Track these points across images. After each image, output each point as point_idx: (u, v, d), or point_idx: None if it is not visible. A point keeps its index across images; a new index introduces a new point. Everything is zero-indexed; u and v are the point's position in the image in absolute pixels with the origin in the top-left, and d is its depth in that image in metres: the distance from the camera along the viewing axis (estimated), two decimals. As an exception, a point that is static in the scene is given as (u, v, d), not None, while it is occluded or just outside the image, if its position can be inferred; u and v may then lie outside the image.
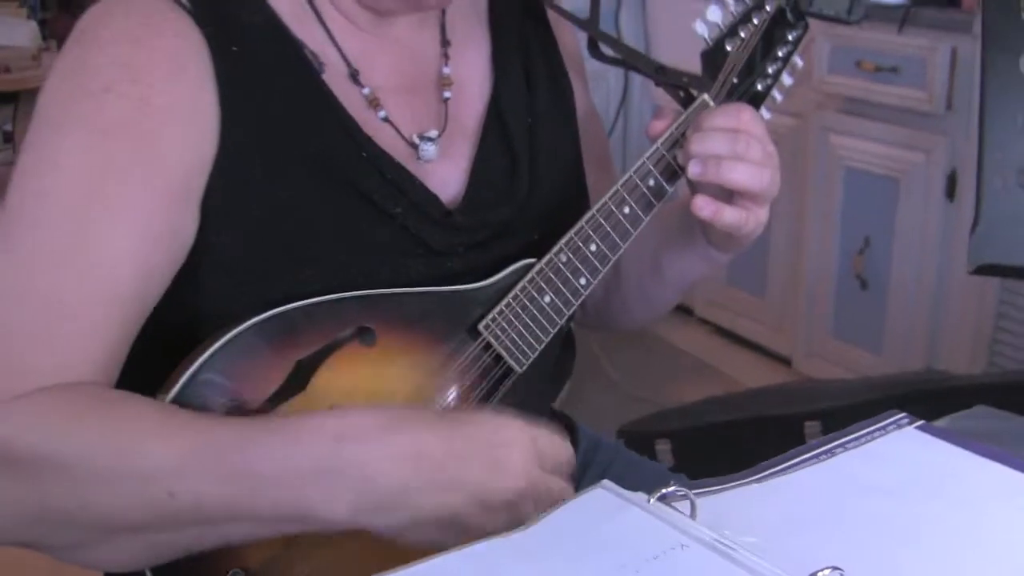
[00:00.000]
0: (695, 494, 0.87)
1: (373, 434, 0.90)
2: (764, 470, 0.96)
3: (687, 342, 3.95)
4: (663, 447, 2.43)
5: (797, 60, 1.27)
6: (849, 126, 3.32)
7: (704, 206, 1.13)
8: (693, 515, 0.85)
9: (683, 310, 4.02)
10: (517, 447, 0.93)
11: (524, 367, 1.13)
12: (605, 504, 0.84)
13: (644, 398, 3.29)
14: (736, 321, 3.89)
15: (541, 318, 1.14)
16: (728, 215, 1.14)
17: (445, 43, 1.21)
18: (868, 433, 1.01)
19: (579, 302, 1.16)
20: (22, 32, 5.92)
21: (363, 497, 0.89)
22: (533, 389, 1.17)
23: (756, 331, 3.81)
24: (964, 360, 3.05)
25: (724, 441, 2.40)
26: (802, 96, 3.37)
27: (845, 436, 1.01)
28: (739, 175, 1.12)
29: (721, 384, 3.56)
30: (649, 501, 0.84)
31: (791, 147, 3.47)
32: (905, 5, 3.11)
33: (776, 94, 1.27)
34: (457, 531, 0.89)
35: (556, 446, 0.96)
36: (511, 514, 0.90)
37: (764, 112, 1.26)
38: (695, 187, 1.16)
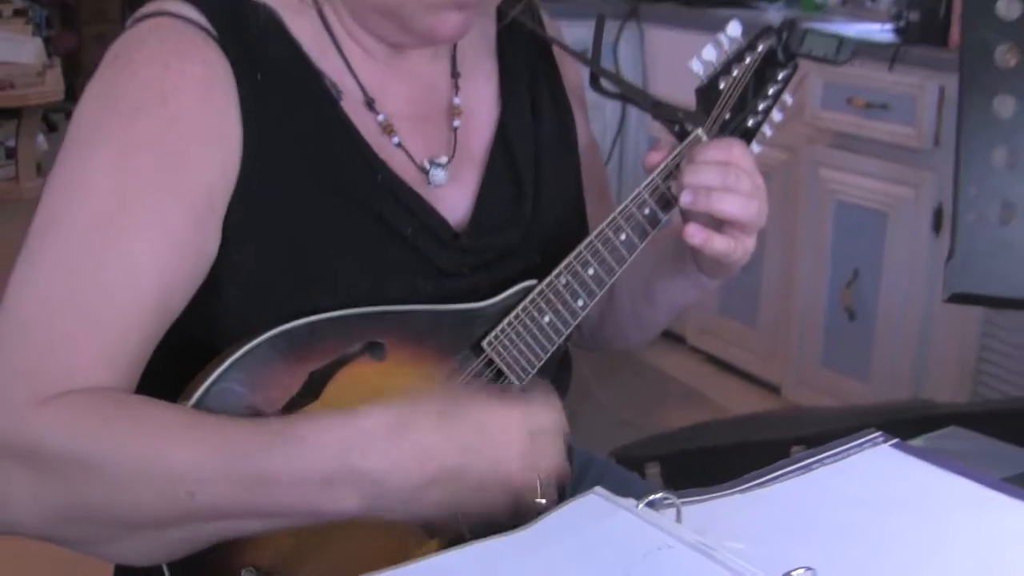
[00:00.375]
0: (681, 502, 0.94)
1: (379, 442, 0.96)
2: (747, 482, 1.02)
3: (679, 369, 4.00)
4: (652, 471, 2.48)
5: (787, 98, 1.32)
6: (840, 161, 3.38)
7: (695, 233, 1.20)
8: (679, 520, 0.91)
9: (675, 338, 4.07)
10: (512, 433, 0.99)
11: (524, 383, 1.19)
12: (598, 508, 0.91)
13: (635, 423, 3.34)
14: (727, 350, 3.94)
15: (541, 337, 1.20)
16: (718, 243, 1.20)
17: (456, 74, 1.27)
18: (845, 450, 1.08)
19: (577, 322, 1.22)
20: (27, 49, 5.96)
21: (372, 498, 0.95)
22: None
23: (747, 360, 3.86)
24: (949, 389, 3.11)
25: (713, 465, 2.44)
26: (794, 131, 3.44)
27: (824, 452, 1.07)
28: (728, 205, 1.19)
29: (711, 411, 3.61)
30: (638, 506, 0.91)
31: (783, 180, 3.54)
32: (896, 44, 3.19)
33: (766, 129, 1.33)
34: (460, 514, 0.98)
35: (546, 417, 1.02)
36: (509, 494, 0.98)
37: (755, 146, 1.31)
38: (687, 216, 1.22)
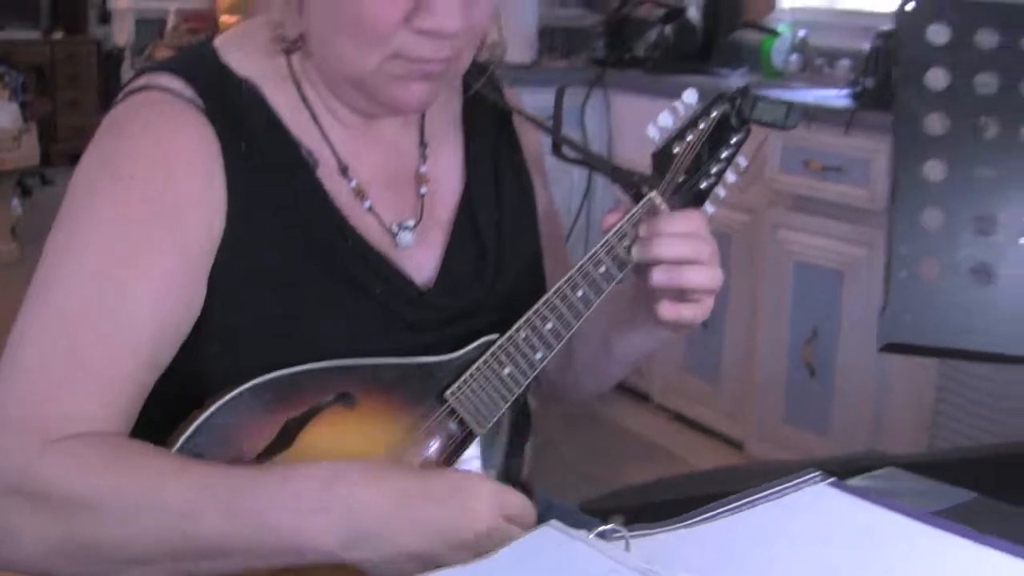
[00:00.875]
0: (630, 534, 1.02)
1: (361, 476, 1.06)
2: (692, 517, 1.10)
3: (644, 426, 4.07)
4: (617, 522, 2.53)
5: (741, 161, 1.37)
6: (798, 222, 3.48)
7: (668, 310, 1.27)
8: (627, 550, 0.99)
9: (640, 396, 4.15)
10: (484, 497, 1.08)
11: (484, 431, 1.27)
12: (553, 538, 0.98)
13: (601, 480, 3.40)
14: (691, 407, 4.02)
15: (501, 388, 1.27)
16: (686, 312, 1.28)
17: (423, 144, 1.36)
18: (785, 488, 1.16)
19: (536, 374, 1.30)
20: (4, 114, 6.04)
21: (350, 531, 1.04)
22: (493, 452, 1.31)
23: (710, 417, 3.94)
24: (907, 441, 3.19)
25: (677, 516, 2.50)
26: (754, 194, 3.54)
27: (765, 490, 1.15)
28: (697, 277, 1.26)
29: (677, 467, 3.66)
30: (589, 537, 0.99)
31: (744, 242, 3.64)
32: (851, 109, 3.30)
33: (720, 191, 1.39)
34: (426, 566, 1.04)
35: (520, 501, 1.11)
36: (475, 554, 1.03)
37: (709, 207, 1.38)
38: (657, 294, 1.28)
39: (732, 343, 3.81)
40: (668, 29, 4.36)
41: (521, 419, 1.37)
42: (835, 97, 3.52)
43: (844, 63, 3.95)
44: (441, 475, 1.11)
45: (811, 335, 3.46)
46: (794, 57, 4.13)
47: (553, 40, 4.83)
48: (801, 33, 4.16)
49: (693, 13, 4.37)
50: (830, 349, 3.42)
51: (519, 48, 4.44)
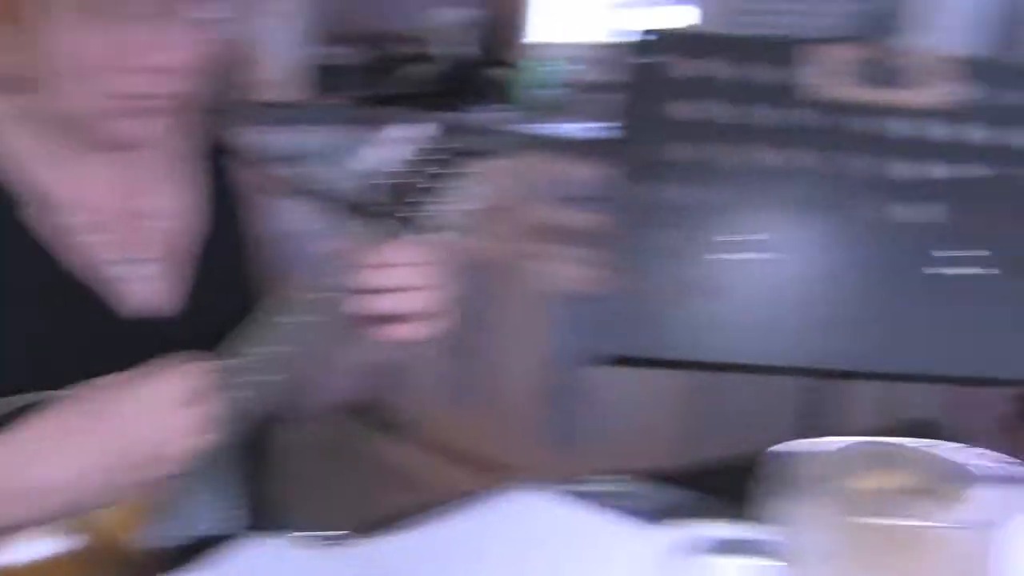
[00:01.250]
0: (349, 541, 1.05)
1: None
2: (410, 524, 1.14)
3: (403, 458, 4.07)
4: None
5: (474, 190, 1.41)
6: (550, 250, 3.58)
7: (382, 332, 1.30)
8: (346, 557, 1.03)
9: (398, 428, 4.15)
10: (151, 381, 1.16)
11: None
12: (277, 546, 1.02)
13: (359, 513, 3.39)
14: (450, 436, 4.05)
15: (229, 411, 1.27)
16: (402, 334, 1.30)
17: (151, 178, 1.36)
18: (499, 497, 1.21)
19: (265, 397, 1.30)
20: None
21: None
22: (225, 479, 1.33)
23: (470, 444, 3.98)
24: (666, 457, 3.29)
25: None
26: (503, 225, 3.61)
27: (489, 496, 1.20)
28: (407, 304, 1.29)
29: (435, 495, 3.66)
30: (308, 544, 1.02)
31: (496, 271, 3.71)
32: (605, 140, 3.40)
33: (452, 220, 1.42)
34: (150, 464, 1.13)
35: (192, 368, 1.18)
36: (175, 415, 1.15)
37: (441, 235, 1.40)
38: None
39: (488, 370, 3.87)
40: (430, 67, 4.42)
41: (263, 441, 1.39)
42: (596, 128, 3.60)
43: (605, 95, 4.03)
44: (119, 387, 1.15)
45: (570, 359, 3.55)
46: (556, 91, 4.23)
47: (321, 78, 4.83)
48: (564, 67, 4.26)
49: (455, 51, 4.44)
50: (587, 371, 3.51)
51: (284, 86, 4.43)
